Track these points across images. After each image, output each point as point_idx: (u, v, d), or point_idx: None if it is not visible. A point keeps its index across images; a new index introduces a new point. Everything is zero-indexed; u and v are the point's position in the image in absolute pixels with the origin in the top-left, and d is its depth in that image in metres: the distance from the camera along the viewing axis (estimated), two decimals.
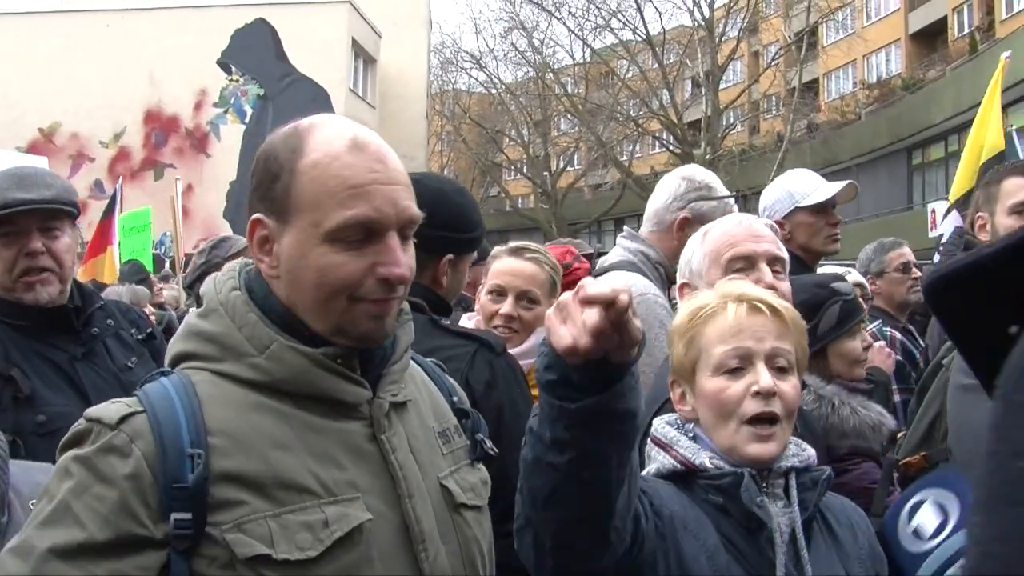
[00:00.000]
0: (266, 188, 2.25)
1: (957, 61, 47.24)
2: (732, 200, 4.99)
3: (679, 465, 2.74)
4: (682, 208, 4.84)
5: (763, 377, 2.67)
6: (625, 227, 5.15)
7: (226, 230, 30.38)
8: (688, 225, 4.70)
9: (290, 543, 2.06)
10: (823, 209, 5.25)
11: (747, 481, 2.65)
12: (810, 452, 2.80)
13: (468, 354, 3.59)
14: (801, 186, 5.32)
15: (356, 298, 2.20)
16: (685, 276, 3.75)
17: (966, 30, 50.53)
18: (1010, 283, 1.05)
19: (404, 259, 2.23)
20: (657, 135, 53.88)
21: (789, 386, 2.71)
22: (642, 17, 49.48)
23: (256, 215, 2.27)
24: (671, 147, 52.19)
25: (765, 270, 3.56)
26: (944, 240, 9.13)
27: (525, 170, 62.64)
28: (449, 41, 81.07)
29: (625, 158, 56.56)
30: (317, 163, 2.21)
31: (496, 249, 4.61)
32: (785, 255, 3.73)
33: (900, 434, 4.41)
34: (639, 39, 50.77)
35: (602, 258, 5.09)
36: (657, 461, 2.80)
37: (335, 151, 2.22)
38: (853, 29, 54.07)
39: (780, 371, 2.72)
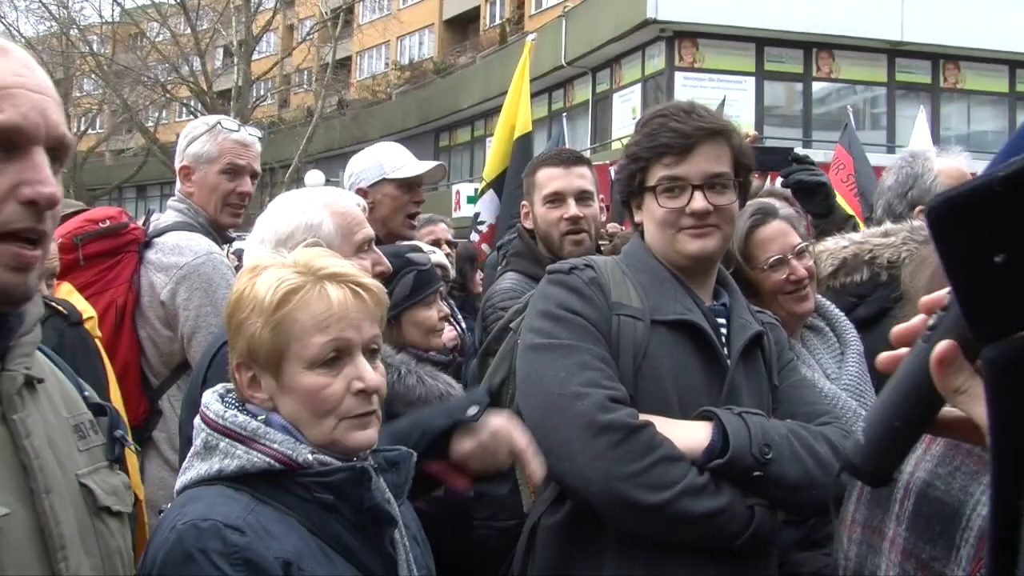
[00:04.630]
0: None
1: (487, 50, 49.05)
2: (219, 125, 4.87)
3: (275, 463, 2.40)
4: (180, 160, 4.84)
5: (367, 373, 2.49)
6: (177, 190, 4.89)
7: None
8: (190, 172, 4.74)
9: None
10: (410, 186, 5.18)
11: (375, 477, 2.50)
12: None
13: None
14: (392, 159, 5.23)
15: None
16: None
17: (498, 21, 52.57)
18: (1010, 210, 1.07)
19: (54, 180, 1.78)
20: (185, 102, 52.43)
21: (381, 373, 2.56)
22: None
23: None
24: (199, 115, 50.95)
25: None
26: (480, 218, 9.29)
27: None
28: None
29: (151, 124, 54.80)
30: None
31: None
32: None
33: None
34: (173, 2, 49.33)
35: (153, 221, 4.78)
36: (234, 457, 2.43)
37: None
38: (389, 11, 55.09)
39: (372, 355, 2.55)
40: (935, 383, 1.29)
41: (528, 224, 5.17)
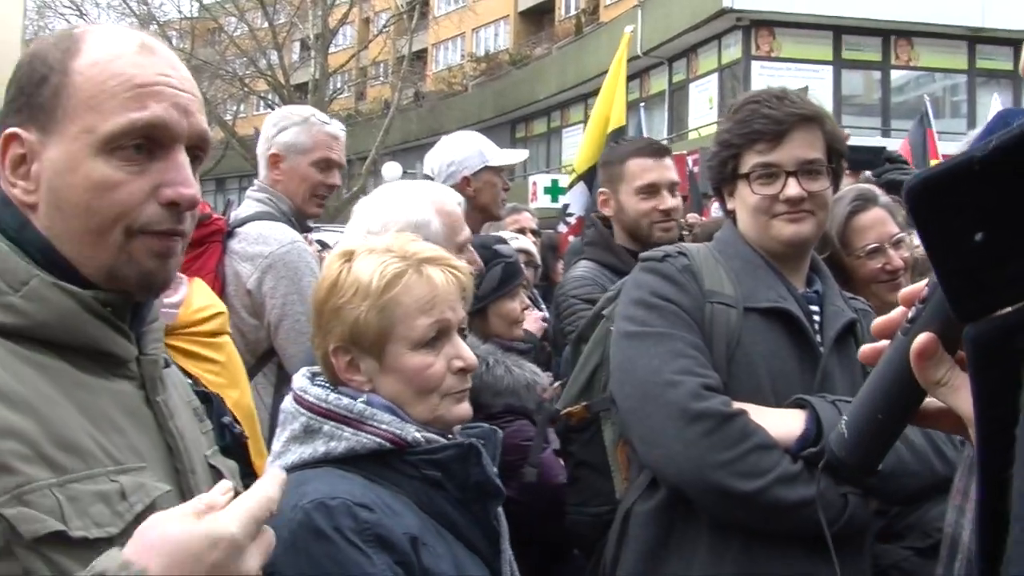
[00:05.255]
0: (28, 94, 1.81)
1: (563, 40, 48.91)
2: (313, 117, 4.94)
3: (385, 443, 2.45)
4: (268, 148, 4.86)
5: (465, 352, 2.58)
6: (255, 180, 4.98)
7: None
8: (279, 161, 4.76)
9: (84, 517, 1.59)
10: (499, 173, 5.30)
11: (481, 452, 2.54)
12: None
13: None
14: (490, 147, 5.34)
15: (134, 231, 1.76)
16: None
17: (573, 11, 52.40)
18: (989, 187, 1.06)
19: (194, 180, 1.81)
20: (263, 95, 52.87)
21: (470, 352, 2.62)
22: None
23: (10, 129, 1.80)
24: (277, 108, 51.30)
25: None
26: (569, 210, 9.26)
27: None
28: None
29: (229, 117, 55.23)
30: (97, 61, 1.79)
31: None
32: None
33: (555, 385, 4.43)
34: None
35: (234, 212, 4.87)
36: (340, 439, 2.47)
37: (120, 50, 1.81)
38: (465, 2, 55.15)
39: (461, 334, 2.63)
40: (916, 376, 1.29)
41: (608, 211, 5.15)
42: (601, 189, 5.24)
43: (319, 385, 2.58)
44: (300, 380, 2.62)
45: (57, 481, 1.59)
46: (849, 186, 4.97)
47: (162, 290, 1.90)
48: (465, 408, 2.60)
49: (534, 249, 6.59)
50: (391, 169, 31.34)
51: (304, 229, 4.88)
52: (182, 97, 1.83)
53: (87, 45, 1.82)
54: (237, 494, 1.90)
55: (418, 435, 2.47)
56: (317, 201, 4.87)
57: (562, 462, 3.88)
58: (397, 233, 2.78)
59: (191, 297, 3.67)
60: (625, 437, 3.41)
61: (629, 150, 5.26)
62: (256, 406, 4.19)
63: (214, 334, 3.73)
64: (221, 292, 4.43)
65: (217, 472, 2.02)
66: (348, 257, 2.58)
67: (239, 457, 2.33)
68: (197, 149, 1.89)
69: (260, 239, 4.53)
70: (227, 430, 2.21)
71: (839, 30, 32.71)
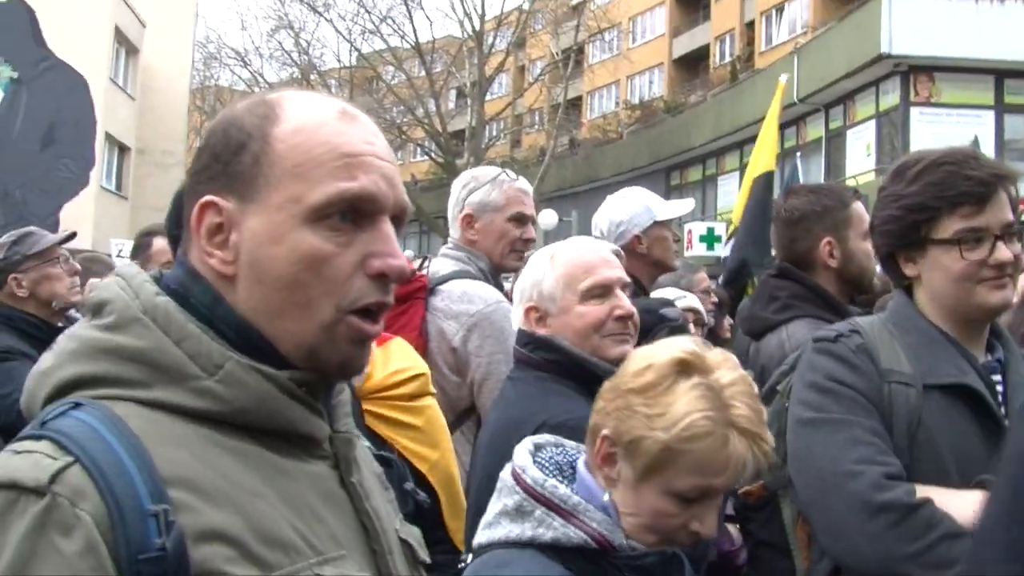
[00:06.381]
0: (225, 162, 1.74)
1: (718, 88, 48.83)
2: (503, 175, 4.96)
3: (591, 542, 2.45)
4: (461, 209, 4.91)
5: (709, 518, 2.54)
6: (450, 239, 5.05)
7: None
8: (473, 221, 4.87)
9: None
10: (667, 225, 5.24)
11: (684, 562, 2.58)
12: None
13: None
14: (655, 201, 5.27)
15: (344, 308, 1.70)
16: (533, 299, 3.52)
17: (727, 58, 52.25)
18: None
19: (401, 252, 1.76)
20: (420, 143, 53.75)
21: (715, 520, 2.63)
22: (412, 24, 49.42)
23: (207, 197, 1.72)
24: (434, 155, 52.29)
25: (621, 296, 3.46)
26: (728, 261, 9.19)
27: None
28: (214, 36, 79.17)
29: None
30: (301, 128, 1.73)
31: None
32: (628, 279, 3.63)
33: None
34: (408, 46, 50.62)
35: (432, 269, 4.87)
36: (550, 528, 2.48)
37: (323, 117, 1.74)
38: (619, 50, 55.32)
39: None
40: None
41: (833, 263, 4.64)
42: (827, 238, 4.65)
43: (539, 464, 2.59)
44: (522, 455, 2.61)
45: None
46: None
47: (356, 375, 1.84)
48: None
49: (702, 308, 6.50)
50: (547, 216, 31.48)
51: (497, 286, 4.94)
52: (386, 167, 1.77)
53: (286, 112, 1.76)
54: (423, 564, 1.89)
55: (624, 542, 2.46)
56: (517, 255, 4.91)
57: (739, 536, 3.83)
58: (740, 370, 2.61)
59: (388, 358, 3.69)
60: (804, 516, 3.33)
61: (851, 195, 4.83)
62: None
63: (413, 396, 3.74)
64: (424, 349, 4.49)
65: (407, 545, 1.97)
66: (681, 370, 2.50)
67: (422, 523, 2.31)
68: (397, 220, 1.80)
69: (465, 297, 4.60)
70: (410, 497, 2.19)
71: (1001, 74, 31.91)
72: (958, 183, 3.13)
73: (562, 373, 3.36)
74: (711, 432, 2.41)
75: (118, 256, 17.76)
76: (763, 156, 9.31)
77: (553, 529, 2.46)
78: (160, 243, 5.72)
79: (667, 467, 2.44)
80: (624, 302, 3.43)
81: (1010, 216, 3.15)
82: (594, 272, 3.44)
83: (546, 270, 3.50)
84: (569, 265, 3.47)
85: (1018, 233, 3.19)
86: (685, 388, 2.46)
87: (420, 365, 3.88)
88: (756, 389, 2.57)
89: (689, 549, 2.67)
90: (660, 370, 2.50)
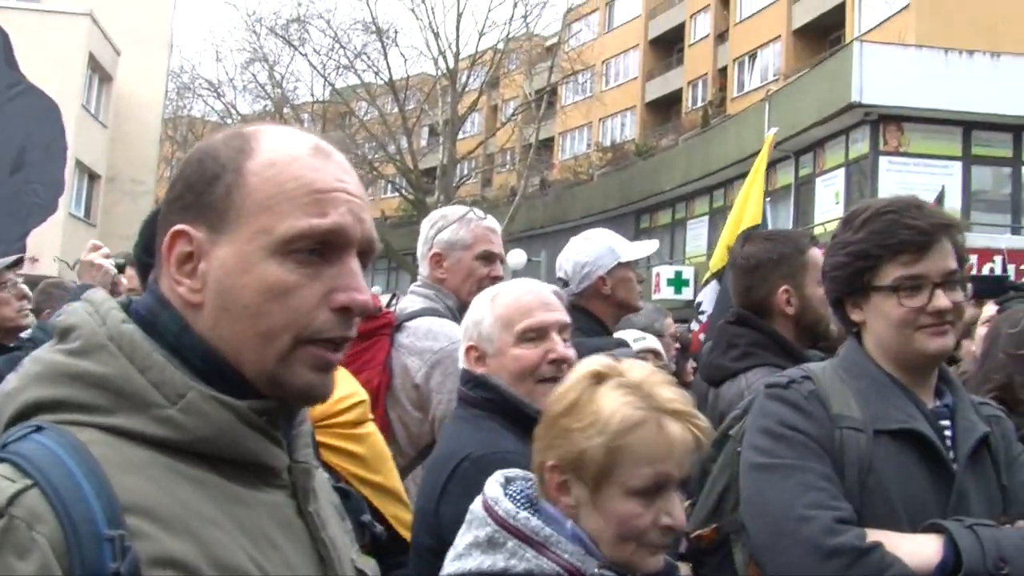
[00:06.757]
0: (198, 192, 1.78)
1: (689, 132, 49.11)
2: (471, 213, 5.05)
3: (563, 573, 2.48)
4: (430, 248, 5.00)
5: (676, 510, 2.57)
6: (419, 276, 5.13)
7: None
8: (442, 259, 4.95)
9: None
10: (631, 266, 5.28)
11: None
12: None
13: None
14: (619, 242, 5.31)
15: (302, 339, 1.73)
16: (473, 339, 3.57)
17: (700, 103, 52.60)
18: None
19: (366, 287, 1.79)
20: (391, 179, 53.69)
21: (682, 512, 2.64)
22: (387, 61, 49.34)
23: (178, 226, 1.77)
24: (405, 192, 52.20)
25: (557, 340, 3.48)
26: (702, 308, 9.24)
27: None
28: (188, 66, 79.00)
29: None
30: (274, 162, 1.76)
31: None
32: (569, 321, 3.64)
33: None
34: (382, 82, 50.66)
35: (400, 306, 4.95)
36: (522, 559, 2.51)
37: (296, 152, 1.78)
38: (592, 93, 55.62)
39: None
40: None
41: (790, 310, 4.64)
42: (784, 286, 4.64)
43: (510, 496, 2.61)
44: (493, 488, 2.64)
45: None
46: (973, 315, 4.84)
47: (321, 402, 1.84)
48: (658, 561, 2.58)
49: (662, 349, 6.53)
50: (516, 256, 31.56)
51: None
52: (355, 203, 1.80)
53: (261, 145, 1.79)
54: None
55: (596, 572, 2.48)
56: None
57: None
58: (652, 366, 2.77)
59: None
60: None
61: (806, 242, 4.83)
62: (410, 492, 4.13)
63: (356, 424, 3.77)
64: (387, 385, 4.57)
65: (363, 575, 2.00)
66: (597, 380, 2.59)
67: (379, 555, 2.33)
68: (364, 255, 1.84)
69: (430, 335, 4.64)
70: (367, 529, 2.20)
71: (969, 125, 32.19)
72: (898, 231, 3.20)
73: (497, 411, 3.39)
74: (644, 420, 2.49)
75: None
76: (750, 209, 9.33)
77: (526, 560, 2.48)
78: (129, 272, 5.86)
79: (616, 468, 2.48)
80: (558, 346, 3.43)
81: (952, 264, 3.21)
82: (530, 315, 3.46)
83: (486, 311, 3.54)
84: (507, 307, 3.50)
85: (960, 281, 3.25)
86: (606, 391, 2.54)
87: (361, 392, 3.93)
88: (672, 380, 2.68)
89: None
90: (577, 386, 2.59)
